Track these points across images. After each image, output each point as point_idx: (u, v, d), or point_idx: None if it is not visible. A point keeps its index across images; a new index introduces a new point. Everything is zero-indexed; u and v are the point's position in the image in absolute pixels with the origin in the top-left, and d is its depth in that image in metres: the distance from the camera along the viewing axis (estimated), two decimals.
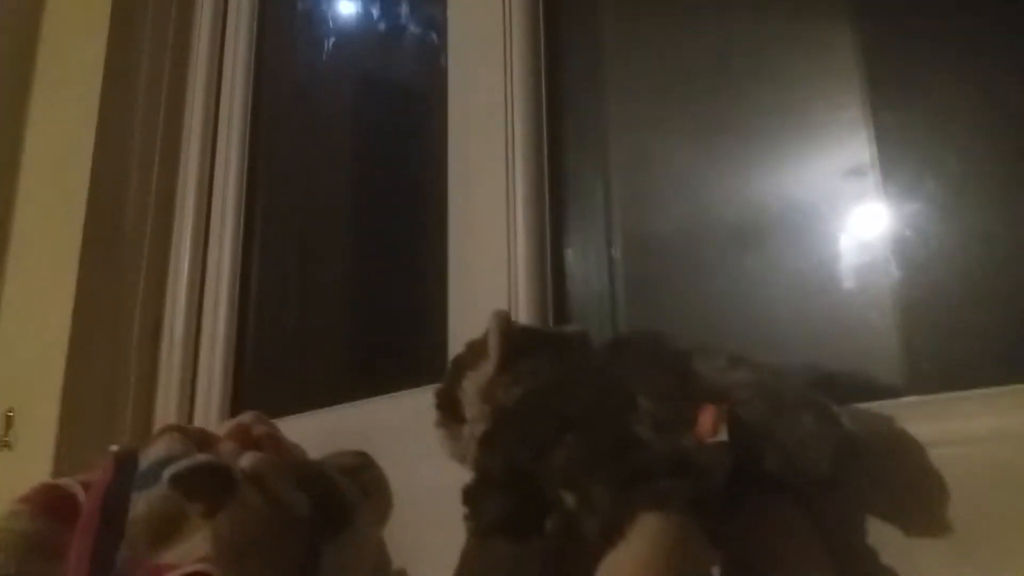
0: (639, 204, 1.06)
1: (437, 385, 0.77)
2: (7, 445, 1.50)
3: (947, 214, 0.75)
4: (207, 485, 0.58)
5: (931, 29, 0.80)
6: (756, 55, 0.94)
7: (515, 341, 0.71)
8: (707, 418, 0.57)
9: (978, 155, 0.75)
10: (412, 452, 0.85)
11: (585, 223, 1.06)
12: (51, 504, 0.83)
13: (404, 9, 1.46)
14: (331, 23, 1.63)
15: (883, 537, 0.60)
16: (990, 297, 0.71)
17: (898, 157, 0.78)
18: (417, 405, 0.89)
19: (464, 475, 0.68)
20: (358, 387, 1.20)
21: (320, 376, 1.45)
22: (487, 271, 1.05)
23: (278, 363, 1.49)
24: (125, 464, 0.85)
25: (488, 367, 0.70)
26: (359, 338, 1.40)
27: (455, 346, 0.85)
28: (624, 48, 1.12)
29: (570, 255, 1.05)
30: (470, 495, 0.65)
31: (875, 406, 0.65)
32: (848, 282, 0.81)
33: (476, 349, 0.74)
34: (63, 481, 0.86)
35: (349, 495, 0.63)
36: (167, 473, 0.57)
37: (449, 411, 0.74)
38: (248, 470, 0.55)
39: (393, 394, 1.11)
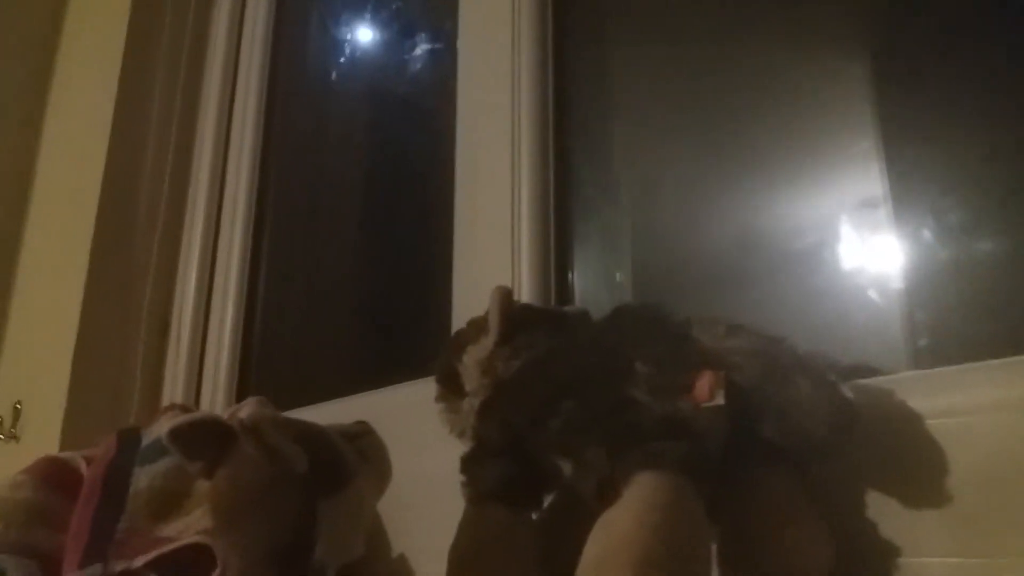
0: (646, 230, 1.07)
1: (436, 362, 0.77)
2: (14, 436, 1.51)
3: (957, 242, 0.75)
4: (206, 440, 0.58)
5: (944, 61, 0.80)
6: (768, 84, 0.95)
7: (515, 316, 0.71)
8: (704, 383, 0.57)
9: (991, 188, 0.75)
10: (415, 441, 0.85)
11: (591, 239, 1.07)
12: (54, 476, 0.84)
13: (415, 22, 1.48)
14: (344, 34, 1.66)
15: (882, 508, 0.60)
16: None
17: (910, 190, 0.79)
18: (420, 396, 0.89)
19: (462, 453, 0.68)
20: (362, 381, 1.21)
21: (325, 370, 1.45)
22: (492, 273, 1.05)
23: (284, 358, 1.49)
24: (128, 440, 0.86)
25: (488, 341, 0.71)
26: (364, 333, 1.40)
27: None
28: (632, 72, 1.13)
29: (574, 272, 1.05)
30: (467, 463, 0.66)
31: (874, 381, 0.65)
32: (858, 313, 0.81)
33: (477, 325, 0.74)
34: (66, 454, 0.87)
35: (347, 456, 0.63)
36: (165, 429, 0.58)
37: (449, 386, 0.74)
38: (246, 421, 0.55)
39: (396, 386, 1.12)
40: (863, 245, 0.82)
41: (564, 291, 1.04)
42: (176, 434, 0.58)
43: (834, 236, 0.84)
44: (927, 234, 0.77)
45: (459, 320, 1.06)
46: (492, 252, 1.06)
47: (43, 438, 1.42)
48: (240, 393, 1.42)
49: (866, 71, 0.86)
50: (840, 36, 0.91)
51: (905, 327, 0.77)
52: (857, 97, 0.85)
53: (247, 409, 0.57)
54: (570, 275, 1.05)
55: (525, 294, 1.01)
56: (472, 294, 1.07)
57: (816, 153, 0.88)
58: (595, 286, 1.06)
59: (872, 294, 0.81)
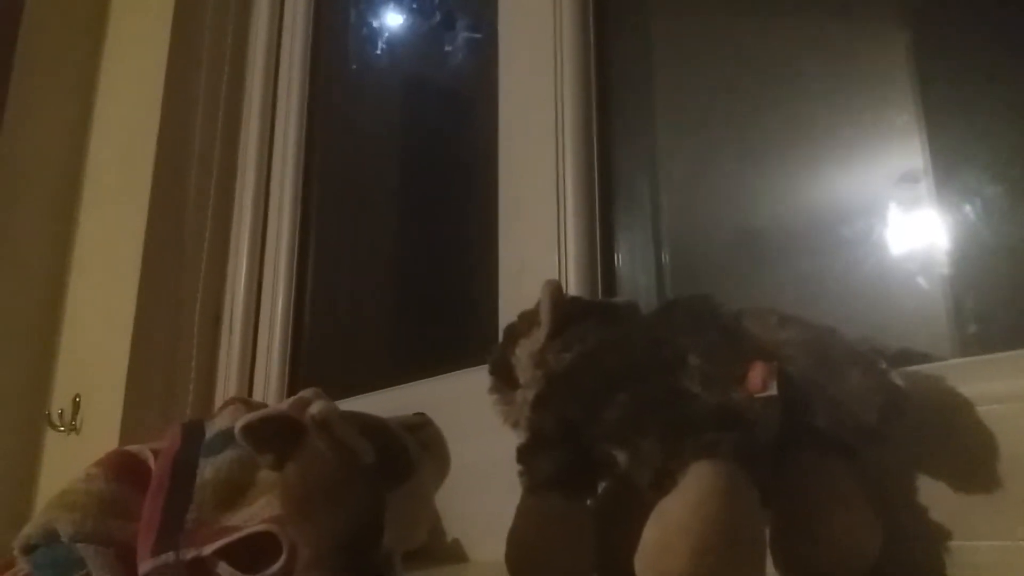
0: (688, 208, 1.07)
1: (489, 355, 0.79)
2: (75, 429, 1.56)
3: (1001, 220, 0.75)
4: (277, 435, 0.61)
5: (985, 31, 0.79)
6: (807, 59, 0.95)
7: (566, 309, 0.73)
8: (757, 374, 0.58)
9: None
10: (465, 429, 0.87)
11: (634, 226, 1.08)
12: (124, 468, 0.87)
13: (456, 10, 1.49)
14: (384, 24, 1.67)
15: (933, 493, 0.61)
16: None
17: (952, 163, 0.78)
18: (469, 384, 0.91)
19: (516, 445, 0.70)
20: (411, 371, 1.23)
21: (375, 361, 1.48)
22: (538, 261, 1.07)
23: (334, 348, 1.52)
24: (192, 433, 0.89)
25: (540, 334, 0.72)
26: (412, 323, 1.42)
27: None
28: (673, 50, 1.13)
29: (619, 258, 1.06)
30: (524, 453, 0.68)
31: (923, 368, 0.66)
32: (901, 287, 0.81)
33: (528, 317, 0.76)
34: (134, 448, 0.90)
35: (411, 447, 0.66)
36: (238, 424, 0.60)
37: (502, 377, 0.76)
38: (317, 416, 0.58)
39: (446, 375, 1.14)
40: (904, 221, 0.82)
41: (610, 277, 1.05)
42: (248, 429, 0.60)
43: (875, 212, 0.84)
44: (969, 209, 0.76)
45: (505, 308, 1.09)
46: (537, 240, 1.07)
47: (102, 430, 1.47)
48: (292, 383, 1.46)
49: (907, 41, 0.86)
50: (879, 7, 0.90)
51: (948, 304, 0.77)
52: (897, 69, 0.85)
53: (316, 404, 0.59)
54: (616, 260, 1.06)
55: (571, 280, 1.03)
56: (518, 283, 1.09)
57: (856, 127, 0.87)
58: (639, 271, 1.07)
59: (914, 270, 0.80)
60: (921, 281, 0.80)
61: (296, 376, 1.46)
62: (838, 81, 0.91)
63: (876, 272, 0.83)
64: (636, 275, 1.07)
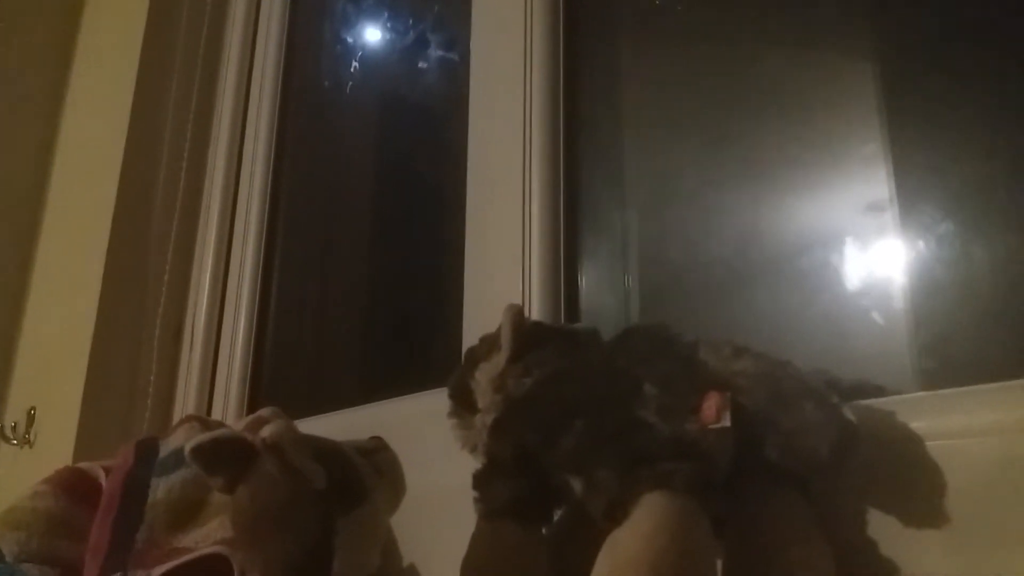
0: (654, 234, 1.07)
1: (449, 378, 0.79)
2: (28, 442, 1.53)
3: (966, 251, 0.76)
4: (228, 457, 0.60)
5: (952, 63, 0.81)
6: (775, 87, 0.96)
7: (527, 334, 0.73)
8: (711, 404, 0.58)
9: (999, 191, 0.76)
10: (425, 452, 0.87)
11: (600, 251, 1.08)
12: (73, 486, 0.86)
13: (428, 30, 1.50)
14: (357, 42, 1.67)
15: (883, 527, 0.62)
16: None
17: (917, 193, 0.79)
18: (430, 407, 0.91)
19: (474, 470, 0.70)
20: (373, 391, 1.22)
21: (337, 380, 1.47)
22: (502, 285, 1.06)
23: (296, 367, 1.51)
24: (146, 451, 0.88)
25: (500, 358, 0.72)
26: (375, 344, 1.42)
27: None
28: (642, 76, 1.14)
29: (584, 283, 1.07)
30: (480, 479, 0.68)
31: (876, 402, 0.66)
32: (864, 314, 0.82)
33: (489, 341, 0.76)
34: (85, 465, 0.89)
35: (364, 472, 0.65)
36: (188, 446, 0.60)
37: (461, 401, 0.76)
38: (268, 440, 0.57)
39: (407, 396, 1.14)
40: (870, 249, 0.83)
41: (573, 302, 1.05)
42: (198, 451, 0.60)
43: (840, 240, 0.85)
44: (934, 238, 0.77)
45: (470, 330, 1.09)
46: (502, 263, 1.07)
47: (57, 444, 1.44)
48: (252, 401, 1.44)
49: (872, 73, 0.87)
50: (846, 38, 0.91)
51: (910, 331, 0.78)
52: (863, 99, 0.86)
53: (269, 427, 0.58)
54: (580, 284, 1.07)
55: (535, 304, 1.03)
56: (483, 305, 1.09)
57: (823, 156, 0.88)
58: (603, 295, 1.07)
59: (878, 297, 0.81)
60: (879, 316, 0.81)
61: (256, 394, 1.45)
62: (805, 110, 0.92)
63: (840, 299, 0.84)
64: (601, 300, 1.07)
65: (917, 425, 0.62)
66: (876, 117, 0.84)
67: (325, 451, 0.62)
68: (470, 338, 1.07)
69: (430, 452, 0.85)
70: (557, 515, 0.69)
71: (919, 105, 0.83)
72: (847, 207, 0.86)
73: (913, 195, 0.79)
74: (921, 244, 0.78)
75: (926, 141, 0.81)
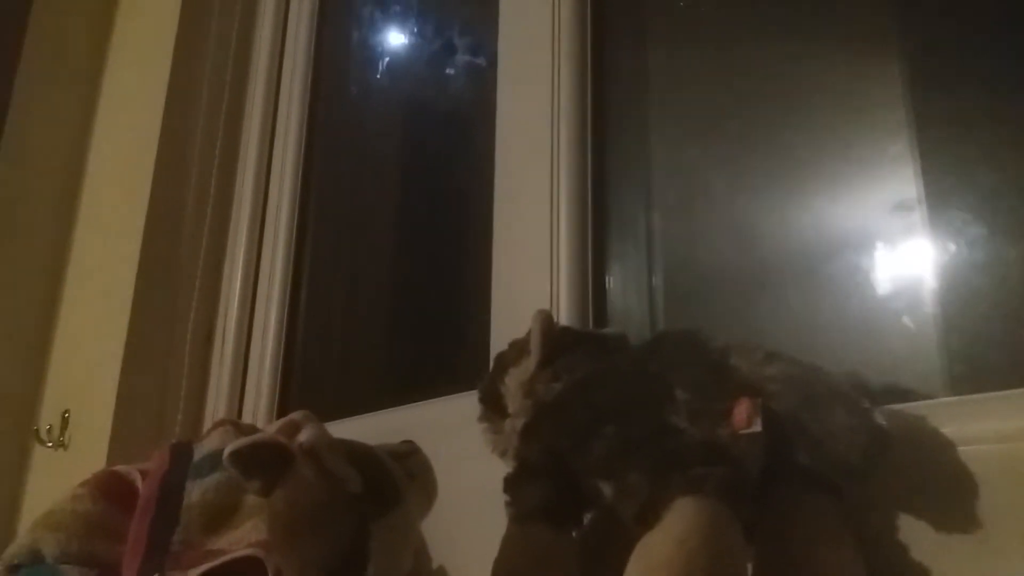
0: (682, 238, 1.07)
1: (479, 383, 0.80)
2: (62, 445, 1.55)
3: (994, 250, 0.75)
4: (265, 461, 0.61)
5: (979, 62, 0.80)
6: (802, 88, 0.96)
7: (556, 339, 0.74)
8: (742, 410, 0.59)
9: None
10: (454, 454, 0.88)
11: (627, 254, 1.08)
12: (111, 489, 0.87)
13: (456, 37, 1.51)
14: (384, 49, 1.69)
15: (914, 532, 0.62)
16: None
17: (946, 192, 0.79)
18: (459, 409, 0.92)
19: (504, 473, 0.71)
20: (402, 394, 1.23)
21: (366, 383, 1.48)
22: (530, 289, 1.07)
23: (325, 370, 1.52)
24: (181, 454, 0.89)
25: (530, 363, 0.73)
26: (404, 347, 1.43)
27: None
28: (669, 79, 1.14)
29: (611, 287, 1.07)
30: (511, 483, 0.68)
31: (907, 407, 0.66)
32: (893, 314, 0.81)
33: (519, 347, 0.76)
34: (122, 468, 0.90)
35: (398, 477, 0.66)
36: (227, 450, 0.61)
37: (491, 406, 0.77)
38: (305, 444, 0.58)
39: (436, 399, 1.14)
40: (898, 249, 0.82)
41: (601, 306, 1.05)
42: (237, 455, 0.61)
43: (869, 240, 0.84)
44: (963, 237, 0.77)
45: (498, 333, 1.09)
46: (530, 267, 1.08)
47: (91, 447, 1.46)
48: (282, 403, 1.46)
49: (900, 72, 0.87)
50: (873, 38, 0.91)
51: (939, 332, 0.78)
52: (891, 98, 0.85)
53: (306, 431, 0.59)
54: (607, 288, 1.07)
55: (563, 308, 1.03)
56: (511, 308, 1.09)
57: (850, 156, 0.88)
58: (631, 298, 1.08)
59: (907, 297, 0.81)
60: (910, 319, 0.80)
61: (286, 397, 1.46)
62: (833, 110, 0.92)
63: (869, 301, 0.84)
64: (628, 304, 1.07)
65: (948, 430, 0.62)
66: (904, 116, 0.83)
67: (360, 455, 0.63)
68: (498, 341, 1.08)
69: (458, 455, 0.86)
70: (587, 518, 0.70)
71: (947, 103, 0.82)
72: (875, 207, 0.85)
73: (942, 194, 0.79)
74: (950, 244, 0.78)
75: (954, 140, 0.80)
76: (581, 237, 1.06)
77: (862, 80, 0.90)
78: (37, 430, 1.60)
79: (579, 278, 1.05)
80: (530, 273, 1.08)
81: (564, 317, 1.02)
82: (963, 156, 0.79)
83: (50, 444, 1.57)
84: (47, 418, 1.61)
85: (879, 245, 0.84)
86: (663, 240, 1.08)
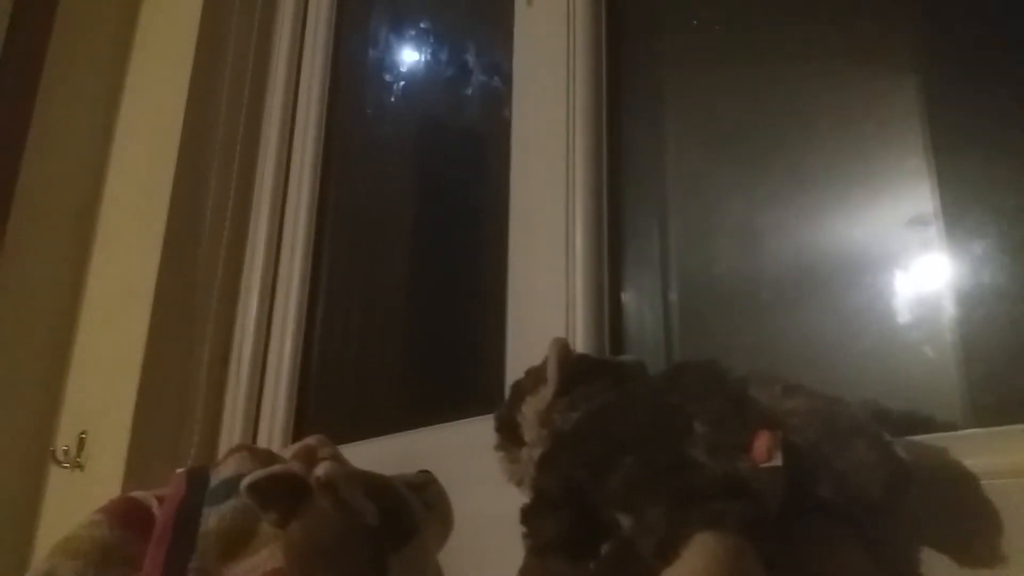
0: (697, 264, 1.07)
1: (496, 411, 0.80)
2: (79, 466, 1.56)
3: (1011, 263, 0.75)
4: (282, 493, 0.61)
5: (995, 77, 0.80)
6: (818, 102, 0.96)
7: (573, 367, 0.73)
8: (762, 443, 0.58)
9: None
10: (470, 479, 0.87)
11: (642, 266, 1.08)
12: (127, 515, 0.87)
13: (471, 57, 1.51)
14: (400, 69, 1.70)
15: (936, 566, 0.61)
16: None
17: (962, 207, 0.79)
18: (475, 434, 0.91)
19: (521, 500, 0.70)
20: (417, 417, 1.23)
21: (380, 406, 1.48)
22: (546, 311, 1.07)
23: (340, 393, 1.53)
24: (197, 480, 0.89)
25: (547, 392, 0.73)
26: (419, 370, 1.43)
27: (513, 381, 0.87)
28: (684, 98, 1.14)
29: (627, 298, 1.07)
30: (528, 514, 0.68)
31: (929, 438, 0.66)
32: (910, 330, 0.81)
33: (535, 375, 0.76)
34: (139, 494, 0.90)
35: (415, 508, 0.66)
36: (244, 482, 0.61)
37: (508, 435, 0.76)
38: (323, 478, 0.58)
39: (451, 423, 1.14)
40: (914, 264, 0.82)
41: (618, 333, 1.05)
42: (254, 488, 0.61)
43: (886, 256, 0.84)
44: (980, 251, 0.77)
45: (512, 359, 1.09)
46: (545, 293, 1.08)
47: (107, 468, 1.47)
48: (297, 426, 1.46)
49: (915, 87, 0.87)
50: (889, 53, 0.91)
51: (955, 347, 0.77)
52: (907, 112, 0.85)
53: (324, 465, 0.59)
54: (623, 315, 1.07)
55: (579, 334, 1.03)
56: (527, 332, 1.09)
57: (867, 171, 0.88)
58: (646, 320, 1.07)
59: (923, 315, 0.80)
60: (927, 333, 0.80)
61: (302, 420, 1.47)
62: (849, 127, 0.92)
63: (885, 317, 0.83)
64: (644, 326, 1.07)
65: (971, 463, 0.61)
66: (920, 130, 0.83)
67: (377, 487, 0.63)
68: (513, 366, 1.08)
69: (473, 478, 0.85)
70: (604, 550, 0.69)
71: (962, 118, 0.82)
72: (891, 222, 0.85)
73: (958, 209, 0.79)
74: (968, 259, 0.77)
75: (970, 154, 0.80)
76: (597, 256, 1.06)
77: (878, 96, 0.90)
78: (54, 451, 1.61)
79: (595, 297, 1.05)
80: (546, 294, 1.08)
81: (581, 342, 1.02)
82: (979, 171, 0.79)
83: (67, 465, 1.58)
84: (64, 439, 1.62)
85: (896, 261, 0.84)
86: (678, 259, 1.07)
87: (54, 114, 1.80)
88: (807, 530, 0.59)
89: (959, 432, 0.67)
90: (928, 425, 0.70)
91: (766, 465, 0.57)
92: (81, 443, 1.57)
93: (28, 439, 1.65)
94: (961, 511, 0.61)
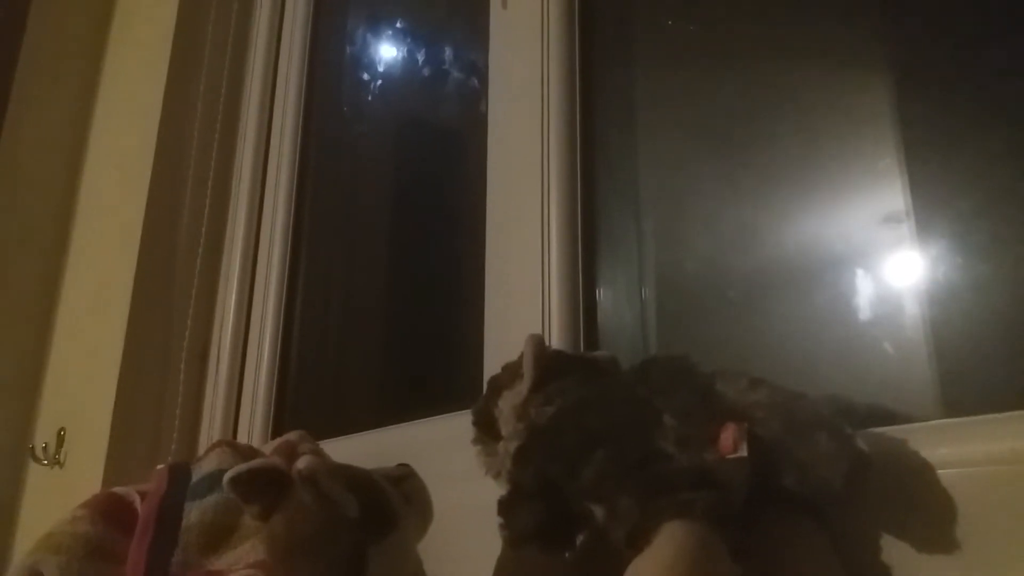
0: (670, 246, 1.09)
1: (473, 406, 0.81)
2: (58, 463, 1.56)
3: (982, 259, 0.77)
4: (264, 486, 0.62)
5: (966, 76, 0.81)
6: (791, 101, 0.97)
7: (548, 363, 0.75)
8: (728, 435, 0.61)
9: (1015, 203, 0.76)
10: (448, 473, 0.89)
11: (617, 263, 1.10)
12: (110, 510, 0.88)
13: (447, 55, 1.52)
14: (377, 67, 1.70)
15: (896, 553, 0.63)
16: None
17: (934, 204, 0.80)
18: (453, 429, 0.93)
19: (498, 493, 0.72)
20: (396, 413, 1.25)
21: (360, 402, 1.49)
22: (522, 307, 1.08)
23: (320, 389, 1.54)
24: (179, 475, 0.90)
25: (523, 387, 0.75)
26: (397, 366, 1.44)
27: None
28: (657, 94, 1.15)
29: (601, 294, 1.08)
30: (505, 506, 0.70)
31: (889, 430, 0.68)
32: (883, 326, 0.83)
33: (511, 370, 0.78)
34: (121, 489, 0.91)
35: (394, 501, 0.68)
36: (227, 476, 0.62)
37: (485, 429, 0.78)
38: (304, 471, 0.60)
39: (429, 418, 1.16)
40: (887, 261, 0.83)
41: (592, 329, 1.06)
42: (236, 481, 0.62)
43: (859, 253, 0.86)
44: (951, 249, 0.78)
45: (490, 354, 1.11)
46: (522, 289, 1.09)
47: (87, 464, 1.47)
48: (277, 422, 1.47)
49: (887, 86, 0.88)
50: (860, 52, 0.92)
51: (927, 342, 0.79)
52: (879, 112, 0.87)
53: (304, 459, 0.61)
54: (598, 302, 1.08)
55: (554, 330, 1.05)
56: (504, 328, 1.11)
57: (840, 169, 0.89)
58: (621, 316, 1.09)
59: (894, 310, 0.82)
60: (894, 329, 0.81)
61: (281, 416, 1.48)
62: (821, 125, 0.93)
63: (858, 313, 0.85)
64: (619, 321, 1.09)
65: (930, 453, 0.64)
66: (892, 129, 0.85)
67: (357, 481, 0.65)
68: (491, 360, 1.10)
69: (452, 473, 0.87)
70: (580, 540, 0.71)
71: (934, 117, 0.84)
72: (864, 220, 0.87)
73: (930, 207, 0.80)
74: (940, 255, 0.79)
75: (942, 152, 0.82)
76: (572, 253, 1.08)
77: (851, 95, 0.91)
78: (33, 448, 1.61)
79: (570, 294, 1.06)
80: (522, 297, 1.09)
81: (556, 337, 1.04)
82: (951, 169, 0.81)
83: (46, 462, 1.58)
84: (43, 436, 1.62)
85: (869, 257, 0.85)
86: (653, 256, 1.09)
87: (30, 112, 1.80)
88: (771, 519, 0.61)
89: (917, 424, 0.69)
90: (894, 419, 0.72)
91: (732, 456, 0.60)
92: (60, 440, 1.57)
93: (7, 436, 1.65)
94: (919, 500, 0.63)
